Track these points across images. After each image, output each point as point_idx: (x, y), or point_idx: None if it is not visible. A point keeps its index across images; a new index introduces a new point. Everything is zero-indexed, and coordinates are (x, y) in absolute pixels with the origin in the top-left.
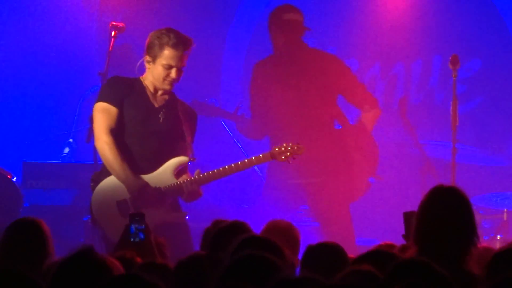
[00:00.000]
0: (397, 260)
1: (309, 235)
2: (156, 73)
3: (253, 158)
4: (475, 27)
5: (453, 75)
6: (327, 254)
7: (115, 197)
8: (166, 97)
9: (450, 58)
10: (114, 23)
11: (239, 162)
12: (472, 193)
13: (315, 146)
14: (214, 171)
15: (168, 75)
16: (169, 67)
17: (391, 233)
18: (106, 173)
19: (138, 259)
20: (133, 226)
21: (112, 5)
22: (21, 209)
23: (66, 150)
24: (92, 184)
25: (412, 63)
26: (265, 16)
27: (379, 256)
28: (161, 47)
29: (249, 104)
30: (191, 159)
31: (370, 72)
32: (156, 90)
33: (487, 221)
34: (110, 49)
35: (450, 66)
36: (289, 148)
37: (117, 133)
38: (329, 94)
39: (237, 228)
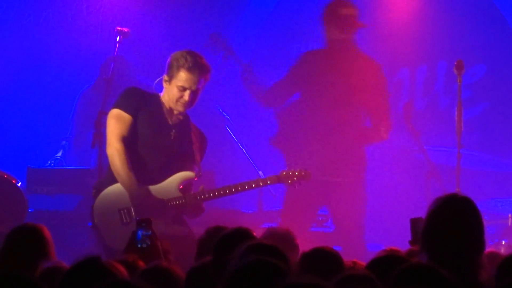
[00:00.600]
0: (406, 264)
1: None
2: (171, 93)
3: (259, 180)
4: (480, 32)
5: (458, 80)
6: (322, 260)
7: (118, 205)
8: (181, 117)
9: (455, 63)
10: (119, 28)
11: (245, 183)
12: (477, 198)
13: (343, 144)
14: (218, 189)
15: (181, 97)
16: (183, 89)
17: (396, 237)
18: (109, 181)
19: (141, 263)
20: (139, 232)
21: (116, 9)
22: (26, 214)
23: (60, 153)
24: (93, 191)
25: (417, 69)
26: (271, 17)
27: (391, 261)
28: (178, 69)
29: (282, 78)
30: (197, 176)
31: None
32: (171, 109)
33: (492, 227)
34: (115, 55)
35: (455, 71)
36: (296, 174)
37: (129, 141)
38: (363, 100)
39: (241, 234)
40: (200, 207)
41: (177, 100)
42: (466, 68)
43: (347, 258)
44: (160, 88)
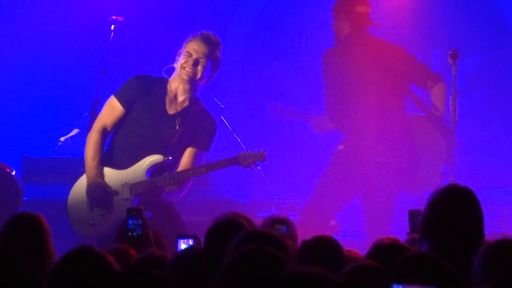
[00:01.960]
0: (406, 254)
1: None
2: (178, 64)
3: (217, 162)
4: (475, 21)
5: (453, 70)
6: (322, 249)
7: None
8: (186, 103)
9: (450, 52)
10: (114, 17)
11: (202, 166)
12: (472, 187)
13: (390, 129)
14: (178, 173)
15: (186, 62)
16: (189, 55)
17: (392, 227)
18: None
19: (132, 251)
20: (130, 221)
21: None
22: (20, 203)
23: (62, 138)
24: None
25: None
26: (265, 8)
27: (392, 250)
28: (189, 41)
29: (324, 92)
30: (166, 158)
31: None
32: (177, 96)
33: (485, 216)
34: (110, 43)
35: (450, 61)
36: (252, 154)
37: (115, 129)
38: (397, 81)
39: (233, 223)
40: (159, 194)
41: (182, 66)
42: (461, 58)
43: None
44: (169, 75)
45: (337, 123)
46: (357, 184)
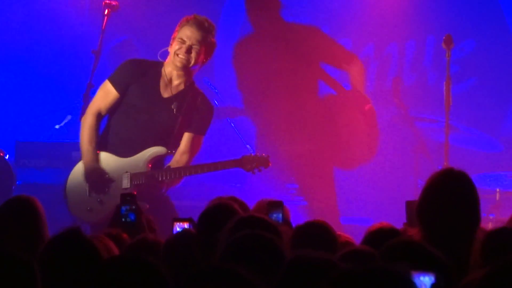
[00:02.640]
0: (391, 241)
1: (298, 214)
2: (172, 50)
3: (221, 163)
4: (468, 7)
5: (447, 55)
6: (315, 233)
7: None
8: (182, 87)
9: (443, 38)
10: (107, 1)
11: (205, 166)
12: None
13: (302, 114)
14: (180, 169)
15: (180, 48)
16: (182, 42)
17: (384, 212)
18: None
19: (125, 236)
20: (123, 207)
21: None
22: (13, 187)
23: (57, 126)
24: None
25: (405, 43)
26: None
27: (387, 235)
28: (181, 27)
29: (237, 80)
30: (169, 152)
31: (363, 52)
32: (171, 79)
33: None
34: (103, 27)
35: (444, 46)
36: (256, 159)
37: (110, 114)
38: (310, 62)
39: (224, 208)
40: (159, 187)
41: (175, 53)
42: (455, 43)
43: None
44: (164, 58)
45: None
46: (288, 171)
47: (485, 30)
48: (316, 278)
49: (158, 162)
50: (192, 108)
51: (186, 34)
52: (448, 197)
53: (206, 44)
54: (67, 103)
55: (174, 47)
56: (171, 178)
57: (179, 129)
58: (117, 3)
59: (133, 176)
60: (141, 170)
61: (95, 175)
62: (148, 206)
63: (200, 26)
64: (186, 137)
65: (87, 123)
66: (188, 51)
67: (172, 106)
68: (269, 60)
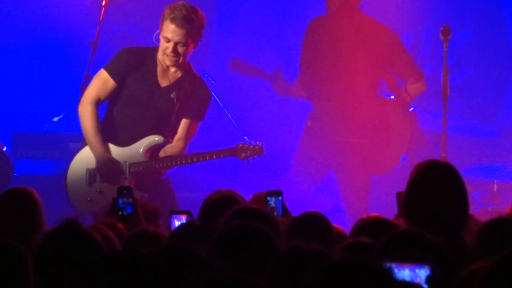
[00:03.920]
0: (392, 232)
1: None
2: (160, 46)
3: (215, 152)
4: None
5: (444, 46)
6: (312, 224)
7: (87, 164)
8: (179, 74)
9: (441, 28)
10: None
11: (200, 154)
12: (463, 164)
13: (356, 108)
14: (177, 157)
15: (167, 48)
16: (167, 41)
17: (381, 203)
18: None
19: (120, 225)
20: (120, 200)
21: None
22: (11, 179)
23: (55, 119)
24: (81, 146)
25: (402, 34)
26: None
27: (379, 227)
28: (165, 20)
29: (300, 58)
30: (166, 141)
31: None
32: (168, 66)
33: (477, 192)
34: (100, 19)
35: (441, 37)
36: (250, 148)
37: (108, 104)
38: (376, 62)
39: (228, 199)
40: (158, 174)
41: (163, 52)
42: (452, 34)
43: (350, 222)
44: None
45: (307, 93)
46: (328, 160)
47: (482, 20)
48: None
49: (156, 151)
50: (190, 94)
51: (170, 31)
52: (433, 190)
53: (192, 33)
54: (64, 94)
55: (161, 42)
56: (167, 167)
57: (176, 117)
58: None
59: (131, 166)
60: (139, 159)
61: (109, 166)
62: (146, 195)
63: (180, 21)
64: (183, 123)
65: (89, 113)
66: (175, 49)
67: (172, 95)
68: (334, 45)
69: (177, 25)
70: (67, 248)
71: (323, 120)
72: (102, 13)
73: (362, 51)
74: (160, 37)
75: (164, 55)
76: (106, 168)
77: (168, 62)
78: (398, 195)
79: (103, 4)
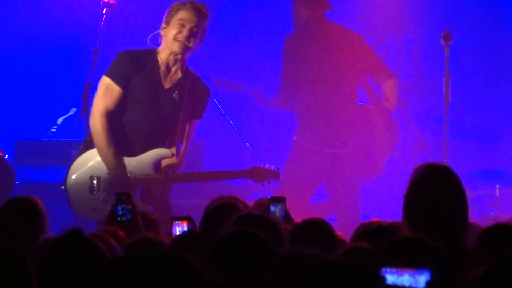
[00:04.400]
0: (392, 237)
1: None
2: (169, 33)
3: (231, 172)
4: (467, 2)
5: (445, 51)
6: (314, 231)
7: (92, 171)
8: (179, 75)
9: (442, 34)
10: (105, 0)
11: (214, 173)
12: (465, 169)
13: (339, 119)
14: (187, 173)
15: (179, 32)
16: (182, 26)
17: (384, 208)
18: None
19: (121, 233)
20: (119, 206)
21: None
22: (13, 187)
23: (60, 120)
24: (82, 146)
25: (403, 38)
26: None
27: (378, 233)
28: (177, 10)
29: (279, 77)
30: (173, 155)
31: None
32: (169, 67)
33: (479, 198)
34: (102, 27)
35: (442, 42)
36: (267, 171)
37: (116, 111)
38: (352, 70)
39: (230, 206)
40: (165, 187)
41: (174, 38)
42: (453, 38)
43: (341, 229)
44: (155, 43)
45: (288, 107)
46: (316, 172)
47: (483, 24)
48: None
49: (162, 163)
50: (191, 95)
51: (187, 17)
52: (430, 193)
53: (203, 29)
54: (66, 102)
55: (171, 31)
56: (175, 182)
57: (184, 122)
58: (115, 1)
59: (138, 178)
60: (146, 172)
61: (122, 184)
62: (151, 207)
63: (198, 10)
64: (186, 123)
65: (100, 126)
66: (190, 35)
67: (174, 95)
68: (310, 59)
69: (195, 12)
70: (71, 257)
71: (307, 134)
72: (103, 21)
73: (336, 60)
74: (170, 26)
75: (174, 41)
76: (119, 183)
77: (177, 49)
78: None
79: (104, 12)
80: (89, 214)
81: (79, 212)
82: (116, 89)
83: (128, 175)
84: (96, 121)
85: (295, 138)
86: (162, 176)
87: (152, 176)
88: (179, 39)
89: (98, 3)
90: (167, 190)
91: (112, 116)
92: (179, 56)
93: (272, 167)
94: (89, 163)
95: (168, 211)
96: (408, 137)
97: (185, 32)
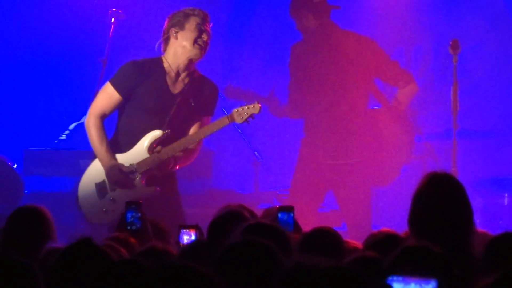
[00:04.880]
0: (399, 247)
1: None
2: (187, 37)
3: (213, 123)
4: (475, 11)
5: (454, 60)
6: (322, 240)
7: (95, 179)
8: (187, 80)
9: (450, 43)
10: (114, 9)
11: (199, 132)
12: (473, 177)
13: (347, 127)
14: (178, 142)
15: (199, 36)
16: (202, 30)
17: (392, 217)
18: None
19: (132, 240)
20: (129, 214)
21: None
22: (22, 196)
23: (64, 135)
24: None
25: (412, 47)
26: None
27: (388, 242)
28: (187, 16)
29: (288, 84)
30: (165, 132)
31: None
32: (179, 73)
33: (488, 206)
34: (110, 36)
35: (451, 51)
36: (246, 108)
37: (120, 116)
38: (364, 75)
39: (237, 215)
40: (165, 165)
41: (195, 41)
42: (461, 47)
43: (352, 238)
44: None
45: (298, 116)
46: (326, 181)
47: (492, 33)
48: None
49: (159, 143)
50: (196, 92)
51: (202, 22)
52: (434, 202)
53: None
54: (74, 112)
55: (189, 35)
56: (173, 153)
57: (176, 110)
58: (123, 11)
59: (138, 166)
60: (144, 157)
61: (115, 171)
62: (158, 188)
63: (207, 16)
64: (197, 122)
65: (93, 125)
66: (207, 35)
67: (190, 101)
68: (317, 67)
69: (205, 18)
70: (81, 266)
71: (314, 144)
72: (111, 30)
73: (343, 66)
74: (186, 30)
75: (194, 45)
76: (113, 174)
77: (198, 53)
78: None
79: (112, 21)
80: (103, 217)
81: (93, 219)
82: (116, 96)
83: (129, 166)
84: (90, 120)
85: (302, 147)
86: (157, 153)
87: (149, 159)
88: (200, 43)
89: (107, 13)
90: (164, 168)
91: (117, 121)
92: (196, 61)
93: (252, 102)
94: (93, 172)
95: (178, 216)
96: (415, 146)
97: (205, 37)
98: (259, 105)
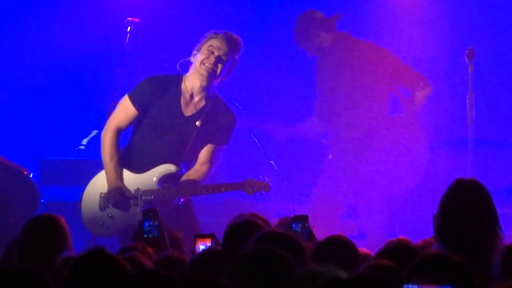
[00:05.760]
0: (418, 255)
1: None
2: (198, 59)
3: (224, 185)
4: (491, 19)
5: (469, 68)
6: (337, 248)
7: (103, 190)
8: (203, 103)
9: (466, 51)
10: (130, 18)
11: (209, 186)
12: (493, 186)
13: (373, 136)
14: (186, 189)
15: (207, 57)
16: (211, 52)
17: (412, 227)
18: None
19: (149, 249)
20: (146, 223)
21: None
22: (38, 206)
23: (84, 141)
24: None
25: (428, 55)
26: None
27: (400, 251)
28: (209, 38)
29: (316, 100)
30: (179, 170)
31: None
32: (193, 95)
33: (505, 215)
34: (126, 45)
35: (467, 59)
36: (258, 183)
37: (134, 130)
38: (383, 82)
39: (251, 224)
40: (168, 203)
41: (202, 62)
42: (477, 56)
43: (370, 247)
44: (184, 70)
45: (326, 123)
46: (348, 190)
47: (507, 43)
48: None
49: (170, 179)
50: (214, 119)
51: (216, 44)
52: (459, 209)
53: (232, 59)
54: (91, 121)
55: (200, 56)
56: (179, 196)
57: (197, 142)
58: (139, 20)
59: (143, 193)
60: (152, 187)
61: (117, 194)
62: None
63: (229, 40)
64: (208, 148)
65: (108, 140)
66: (217, 61)
67: (197, 123)
68: (343, 77)
69: (226, 42)
70: (93, 276)
71: (343, 152)
72: (127, 39)
73: (369, 75)
74: (201, 52)
75: (201, 65)
76: (115, 196)
77: (203, 72)
78: (434, 217)
79: (128, 30)
80: (98, 230)
81: (89, 227)
82: (132, 110)
83: (135, 190)
84: (106, 134)
85: (330, 156)
86: (165, 190)
87: (156, 191)
88: (206, 63)
89: (123, 21)
90: (169, 204)
91: (131, 134)
92: (205, 84)
93: (265, 178)
94: (101, 181)
95: (193, 225)
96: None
97: (212, 58)
98: (270, 184)
